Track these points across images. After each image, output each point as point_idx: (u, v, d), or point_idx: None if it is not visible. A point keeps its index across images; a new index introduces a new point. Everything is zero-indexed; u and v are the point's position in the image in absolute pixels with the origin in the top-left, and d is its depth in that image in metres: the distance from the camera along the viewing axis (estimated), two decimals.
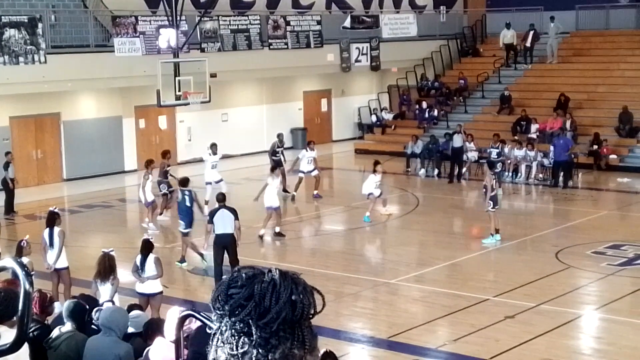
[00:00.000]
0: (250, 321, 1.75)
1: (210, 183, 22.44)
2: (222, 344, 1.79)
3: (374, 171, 21.56)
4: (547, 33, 34.08)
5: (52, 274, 14.40)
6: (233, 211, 15.83)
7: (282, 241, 19.87)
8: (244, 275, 1.80)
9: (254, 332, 1.75)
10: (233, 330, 1.77)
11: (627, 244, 18.77)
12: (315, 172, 24.22)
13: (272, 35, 30.55)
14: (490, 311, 14.47)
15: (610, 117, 29.62)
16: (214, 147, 22.97)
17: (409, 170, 28.90)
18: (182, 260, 17.52)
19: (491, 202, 18.93)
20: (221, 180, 22.53)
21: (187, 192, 17.65)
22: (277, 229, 19.84)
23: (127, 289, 13.72)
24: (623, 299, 15.19)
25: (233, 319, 1.77)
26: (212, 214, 15.95)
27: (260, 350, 1.75)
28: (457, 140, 27.28)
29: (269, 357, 1.75)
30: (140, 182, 21.23)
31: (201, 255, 17.47)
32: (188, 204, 17.58)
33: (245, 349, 1.76)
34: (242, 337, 1.76)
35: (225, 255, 15.65)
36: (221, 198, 16.35)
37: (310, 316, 1.80)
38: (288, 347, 1.76)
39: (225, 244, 15.62)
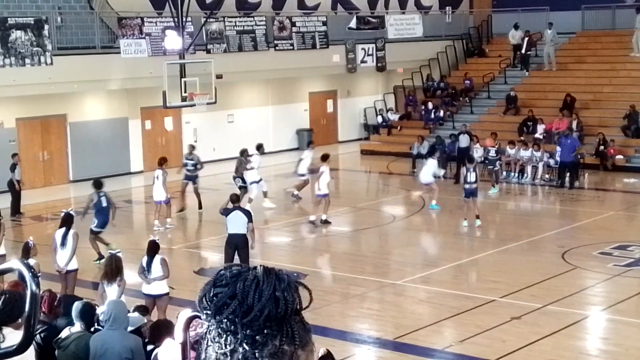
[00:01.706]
0: (235, 319, 1.75)
1: (255, 182, 22.98)
2: (211, 343, 1.79)
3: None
4: (544, 37, 33.89)
5: (61, 276, 14.40)
6: (247, 213, 15.90)
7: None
8: (228, 274, 1.80)
9: (239, 331, 1.75)
10: (220, 330, 1.77)
11: (633, 245, 18.73)
12: (306, 177, 24.07)
13: (277, 36, 30.55)
14: (496, 312, 14.45)
15: (617, 118, 29.57)
16: (261, 148, 23.56)
17: (415, 171, 28.83)
18: (101, 258, 16.93)
19: (464, 192, 20.84)
20: (261, 180, 23.14)
21: (102, 194, 18.33)
22: (324, 217, 21.18)
23: (134, 290, 13.73)
24: (630, 299, 15.16)
25: (218, 317, 1.77)
26: (227, 213, 16.01)
27: (247, 348, 1.75)
28: (463, 141, 27.31)
29: (257, 355, 1.75)
30: (160, 179, 21.03)
31: (107, 244, 17.77)
32: (104, 204, 18.26)
33: (233, 347, 1.76)
34: (229, 336, 1.76)
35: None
36: (235, 199, 16.38)
37: (296, 312, 1.79)
38: (277, 344, 1.75)
39: (237, 244, 15.70)
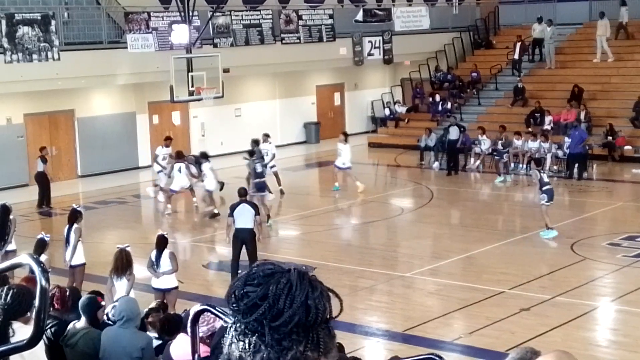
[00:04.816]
0: (263, 321, 1.73)
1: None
2: (236, 340, 1.77)
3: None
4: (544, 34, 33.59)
5: (69, 271, 14.51)
6: (254, 206, 15.90)
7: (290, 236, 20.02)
8: (261, 273, 1.76)
9: (266, 333, 1.73)
10: (246, 329, 1.75)
11: None
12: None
13: (284, 29, 30.53)
14: (505, 304, 14.45)
15: (625, 108, 29.48)
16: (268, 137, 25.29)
17: (423, 163, 28.85)
18: None
19: (545, 196, 18.87)
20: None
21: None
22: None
23: (143, 284, 13.77)
24: (639, 290, 15.13)
25: (247, 317, 1.75)
26: (233, 208, 16.01)
27: (271, 351, 1.73)
28: (453, 133, 27.55)
29: (280, 359, 1.73)
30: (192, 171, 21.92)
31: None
32: None
33: (257, 348, 1.74)
34: (255, 337, 1.74)
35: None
36: (242, 192, 16.39)
37: (325, 321, 1.77)
38: (301, 350, 1.73)
39: (244, 239, 15.70)
